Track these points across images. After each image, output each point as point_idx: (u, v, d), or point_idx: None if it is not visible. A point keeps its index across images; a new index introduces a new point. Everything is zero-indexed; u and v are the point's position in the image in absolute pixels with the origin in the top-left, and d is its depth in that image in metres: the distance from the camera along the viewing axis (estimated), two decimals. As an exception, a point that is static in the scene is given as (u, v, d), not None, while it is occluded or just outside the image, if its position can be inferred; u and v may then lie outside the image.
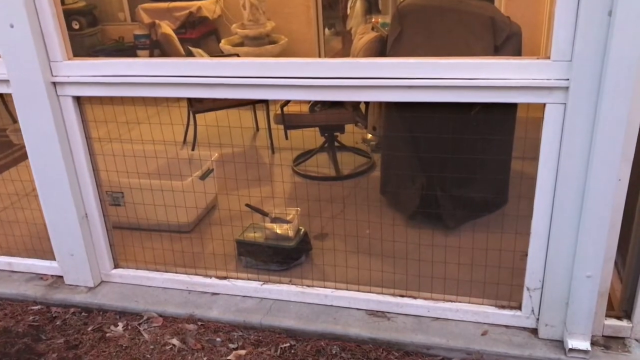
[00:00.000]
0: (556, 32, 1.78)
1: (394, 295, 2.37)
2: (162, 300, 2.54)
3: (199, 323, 2.41)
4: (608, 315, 2.13)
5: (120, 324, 2.45)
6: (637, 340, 2.12)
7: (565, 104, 1.84)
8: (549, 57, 1.83)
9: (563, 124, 1.87)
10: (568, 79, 1.81)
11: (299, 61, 2.09)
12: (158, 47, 5.36)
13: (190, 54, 4.23)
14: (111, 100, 2.38)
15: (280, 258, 2.69)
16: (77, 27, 5.88)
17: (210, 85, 2.19)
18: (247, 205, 2.85)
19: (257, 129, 4.58)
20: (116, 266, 2.69)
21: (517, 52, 2.79)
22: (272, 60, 2.15)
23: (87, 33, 5.98)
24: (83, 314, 2.55)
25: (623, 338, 2.13)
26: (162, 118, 2.86)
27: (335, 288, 2.44)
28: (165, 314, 2.48)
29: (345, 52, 5.86)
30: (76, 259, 2.59)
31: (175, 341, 2.33)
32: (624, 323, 2.12)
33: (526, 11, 4.68)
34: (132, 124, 2.78)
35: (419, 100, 2.03)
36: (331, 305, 2.41)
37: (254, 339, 2.32)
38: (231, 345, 2.29)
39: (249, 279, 2.55)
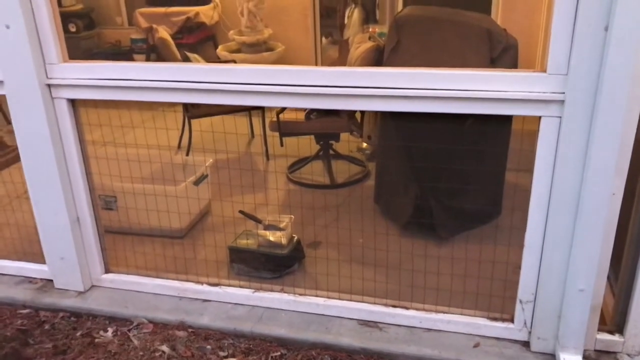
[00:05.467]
0: (553, 46, 1.79)
1: (386, 305, 2.36)
2: (152, 306, 2.52)
3: (190, 330, 2.39)
4: (600, 330, 2.12)
5: (110, 330, 2.43)
6: (628, 355, 2.11)
7: (560, 117, 1.85)
8: (545, 71, 1.83)
9: (558, 137, 1.87)
10: (564, 93, 1.81)
11: (296, 69, 2.09)
12: (155, 52, 5.36)
13: (187, 59, 4.23)
14: (106, 103, 2.37)
15: (273, 266, 2.67)
16: (74, 29, 5.87)
17: (207, 91, 2.19)
18: (240, 211, 2.83)
19: (253, 136, 4.58)
20: (107, 271, 2.67)
21: (514, 65, 2.81)
22: (269, 67, 2.14)
23: (84, 36, 5.97)
24: (72, 318, 2.52)
25: (615, 352, 2.12)
26: (157, 123, 2.85)
27: (328, 297, 2.43)
28: (155, 320, 2.45)
29: (342, 62, 5.87)
30: (67, 263, 2.57)
31: (165, 348, 2.30)
32: (616, 337, 2.12)
33: (522, 24, 4.72)
34: (126, 128, 2.77)
35: (415, 111, 2.03)
36: (323, 315, 2.40)
37: (245, 347, 2.30)
38: (221, 353, 2.27)
39: (240, 287, 2.53)
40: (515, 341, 2.20)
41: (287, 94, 2.12)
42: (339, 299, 2.42)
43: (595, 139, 1.77)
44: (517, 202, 2.24)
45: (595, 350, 2.13)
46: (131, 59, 5.71)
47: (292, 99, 2.15)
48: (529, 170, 1.99)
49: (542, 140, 1.91)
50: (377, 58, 3.24)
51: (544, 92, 1.85)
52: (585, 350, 2.10)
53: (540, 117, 1.90)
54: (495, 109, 1.95)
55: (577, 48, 1.74)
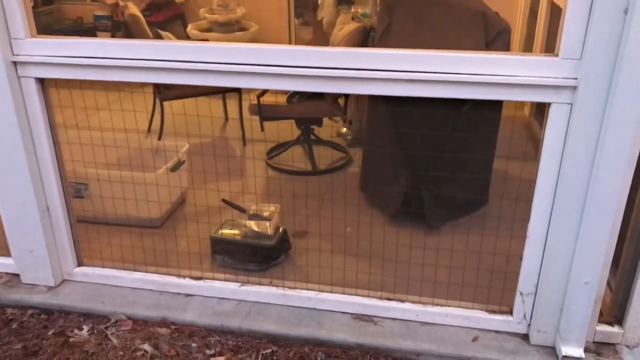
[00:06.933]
0: (567, 29, 1.70)
1: (380, 298, 2.27)
2: (131, 301, 2.35)
3: (173, 327, 2.25)
4: (599, 321, 2.09)
5: (85, 328, 2.26)
6: (627, 346, 2.09)
7: (571, 104, 1.77)
8: (557, 55, 1.75)
9: (568, 124, 1.80)
10: (576, 79, 1.73)
11: (284, 48, 1.96)
12: (122, 30, 5.08)
13: (159, 38, 4.00)
14: (68, 83, 2.17)
15: (259, 257, 2.54)
16: (31, 4, 5.50)
17: (189, 71, 2.03)
18: (223, 200, 2.68)
19: (227, 119, 4.39)
20: (80, 264, 2.48)
21: (506, 49, 2.73)
22: (256, 46, 2.00)
23: (42, 11, 5.60)
24: (42, 316, 2.33)
25: (614, 344, 2.09)
26: (125, 104, 2.65)
27: (319, 290, 2.32)
28: (134, 317, 2.29)
29: (316, 43, 5.70)
30: (35, 256, 2.37)
31: (146, 347, 2.15)
32: (616, 329, 2.08)
33: (500, 8, 4.65)
34: (92, 109, 2.55)
35: (417, 95, 1.92)
36: (314, 309, 2.29)
37: (233, 344, 2.17)
38: (208, 352, 2.14)
39: (226, 280, 2.39)
40: (514, 334, 2.14)
41: (271, 74, 1.98)
42: (331, 292, 2.31)
43: (609, 127, 1.70)
44: (504, 190, 2.17)
45: (594, 342, 2.10)
46: (94, 37, 5.40)
47: (276, 80, 2.00)
48: (515, 158, 1.92)
49: (550, 127, 1.83)
50: (363, 39, 3.12)
51: (556, 78, 1.76)
52: (585, 343, 2.05)
53: (549, 104, 1.81)
54: (503, 94, 1.86)
55: (594, 32, 1.65)
